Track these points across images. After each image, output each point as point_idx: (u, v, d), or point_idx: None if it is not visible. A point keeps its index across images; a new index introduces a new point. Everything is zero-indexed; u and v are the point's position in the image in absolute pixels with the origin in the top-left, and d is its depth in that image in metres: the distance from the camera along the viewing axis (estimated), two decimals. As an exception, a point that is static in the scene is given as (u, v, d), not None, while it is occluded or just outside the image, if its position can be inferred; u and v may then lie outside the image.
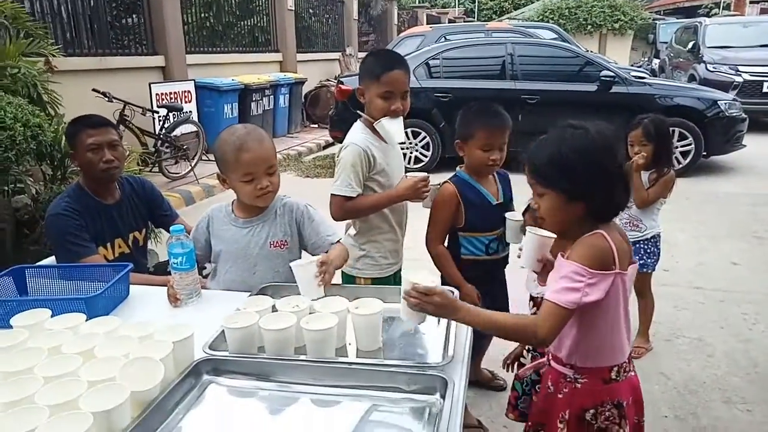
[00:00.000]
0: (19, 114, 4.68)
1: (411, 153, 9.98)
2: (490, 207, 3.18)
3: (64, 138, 4.42)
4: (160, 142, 9.15)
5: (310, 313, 2.12)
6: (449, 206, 3.15)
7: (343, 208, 2.95)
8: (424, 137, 9.95)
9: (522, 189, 2.49)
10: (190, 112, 10.58)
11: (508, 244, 3.24)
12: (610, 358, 2.13)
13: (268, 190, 2.64)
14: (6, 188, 5.07)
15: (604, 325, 2.07)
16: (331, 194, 2.95)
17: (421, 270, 2.02)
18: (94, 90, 8.38)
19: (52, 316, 2.16)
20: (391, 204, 3.03)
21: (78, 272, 2.64)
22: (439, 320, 2.21)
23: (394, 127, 2.90)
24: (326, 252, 2.52)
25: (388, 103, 2.90)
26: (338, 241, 2.73)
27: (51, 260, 3.05)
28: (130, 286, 2.61)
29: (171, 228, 2.46)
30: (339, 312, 2.09)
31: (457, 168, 3.25)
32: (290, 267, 2.30)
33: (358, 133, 3.00)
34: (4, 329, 2.09)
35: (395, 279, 3.17)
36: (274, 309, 2.19)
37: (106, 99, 8.40)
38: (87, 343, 1.96)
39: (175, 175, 9.31)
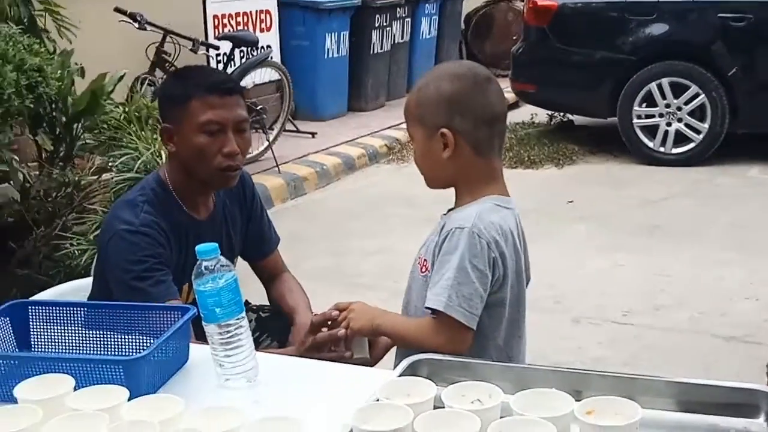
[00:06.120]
0: (9, 50, 3.16)
1: (669, 125, 6.36)
2: None
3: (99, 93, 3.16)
4: (219, 98, 6.18)
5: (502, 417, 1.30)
6: None
7: None
8: (695, 95, 6.21)
9: None
10: (270, 48, 7.13)
11: None
12: None
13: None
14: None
15: None
16: None
17: None
18: (116, 10, 5.60)
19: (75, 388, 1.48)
20: None
21: (107, 314, 1.78)
22: None
23: None
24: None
25: None
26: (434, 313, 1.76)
27: (56, 291, 2.23)
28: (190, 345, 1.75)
29: (198, 248, 1.57)
30: (556, 417, 1.30)
31: None
32: None
33: None
34: (2, 403, 1.43)
35: None
36: (438, 405, 1.39)
37: (136, 25, 5.70)
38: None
39: None
